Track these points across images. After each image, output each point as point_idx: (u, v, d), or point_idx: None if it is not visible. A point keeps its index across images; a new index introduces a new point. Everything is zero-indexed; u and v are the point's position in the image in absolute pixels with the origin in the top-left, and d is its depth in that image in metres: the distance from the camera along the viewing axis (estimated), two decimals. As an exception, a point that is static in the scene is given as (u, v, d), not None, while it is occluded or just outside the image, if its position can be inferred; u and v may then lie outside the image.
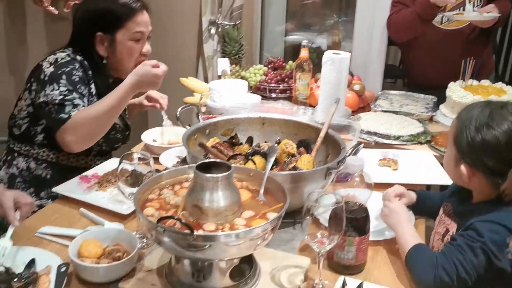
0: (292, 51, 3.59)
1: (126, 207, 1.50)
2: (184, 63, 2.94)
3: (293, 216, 1.46)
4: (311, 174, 1.38)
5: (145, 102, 2.06)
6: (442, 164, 1.70)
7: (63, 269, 1.17)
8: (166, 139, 1.99)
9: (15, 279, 1.12)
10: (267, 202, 1.21)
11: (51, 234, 1.37)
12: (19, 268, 1.19)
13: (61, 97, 1.62)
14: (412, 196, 1.48)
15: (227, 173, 1.12)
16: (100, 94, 1.73)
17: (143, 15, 1.79)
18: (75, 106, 1.62)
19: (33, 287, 1.13)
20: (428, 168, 1.84)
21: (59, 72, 1.66)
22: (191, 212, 1.12)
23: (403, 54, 3.26)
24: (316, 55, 3.09)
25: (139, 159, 1.40)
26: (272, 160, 1.35)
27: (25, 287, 1.12)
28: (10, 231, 1.26)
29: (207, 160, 1.18)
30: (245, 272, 1.19)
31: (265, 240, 1.12)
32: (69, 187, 1.61)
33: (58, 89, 1.63)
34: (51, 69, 1.67)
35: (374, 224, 1.40)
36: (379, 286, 1.20)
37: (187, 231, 1.01)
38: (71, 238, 1.29)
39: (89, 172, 1.71)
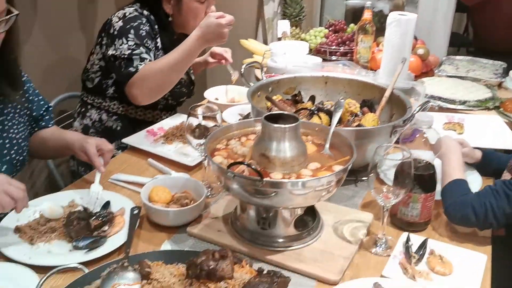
0: (352, 15, 3.49)
1: (191, 159, 1.56)
2: (244, 25, 2.94)
3: (355, 174, 1.47)
4: (376, 131, 1.37)
5: (210, 59, 2.09)
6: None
7: (135, 212, 1.24)
8: (229, 97, 2.02)
9: (93, 217, 1.20)
10: (333, 156, 1.22)
11: (123, 180, 1.45)
12: (95, 209, 1.27)
13: (129, 51, 1.67)
14: (477, 154, 1.44)
15: (294, 124, 1.13)
16: (165, 50, 1.78)
17: None
18: (142, 60, 1.66)
19: (109, 226, 1.20)
20: (496, 133, 1.78)
21: (127, 26, 1.71)
22: (258, 161, 1.14)
23: (472, 18, 3.12)
24: (378, 19, 3.00)
25: (206, 113, 1.43)
26: (338, 114, 1.35)
27: (102, 225, 1.19)
28: (98, 176, 1.34)
29: (275, 112, 1.19)
30: (309, 223, 1.21)
31: (330, 192, 1.13)
32: (137, 139, 1.68)
33: (127, 43, 1.68)
34: (120, 23, 1.72)
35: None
36: (444, 243, 1.19)
37: (256, 177, 1.04)
38: (141, 185, 1.35)
39: (155, 126, 1.78)
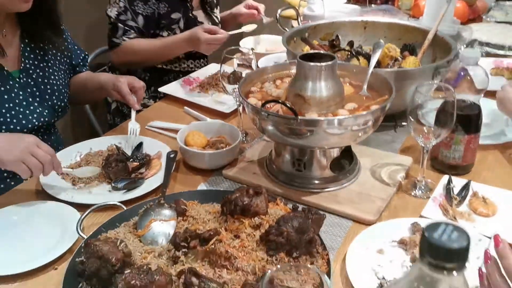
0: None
1: (227, 107, 1.55)
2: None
3: (394, 119, 1.42)
4: (417, 73, 1.31)
5: (243, 10, 2.05)
6: None
7: (172, 155, 1.25)
8: (263, 47, 1.98)
9: (131, 159, 1.22)
10: (371, 96, 1.18)
11: (159, 127, 1.46)
12: (134, 145, 1.30)
13: (116, 14, 1.73)
14: None
15: (331, 62, 1.09)
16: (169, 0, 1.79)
17: None
18: (125, 31, 1.74)
19: (146, 168, 1.22)
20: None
21: None
22: (293, 102, 1.12)
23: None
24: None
25: (240, 60, 1.41)
26: (377, 55, 1.29)
27: (139, 168, 1.21)
28: (133, 114, 1.38)
29: (311, 52, 1.15)
30: (345, 166, 1.18)
31: (366, 133, 1.10)
32: (173, 88, 1.69)
33: (119, 3, 1.73)
34: None
35: (490, 127, 1.33)
36: (488, 186, 1.14)
37: (290, 115, 1.02)
38: (177, 131, 1.35)
39: (191, 76, 1.77)
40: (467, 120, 1.15)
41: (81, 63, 1.53)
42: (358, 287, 0.86)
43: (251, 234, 0.92)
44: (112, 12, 1.76)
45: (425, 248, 0.39)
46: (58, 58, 1.43)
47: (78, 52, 1.53)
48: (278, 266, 0.75)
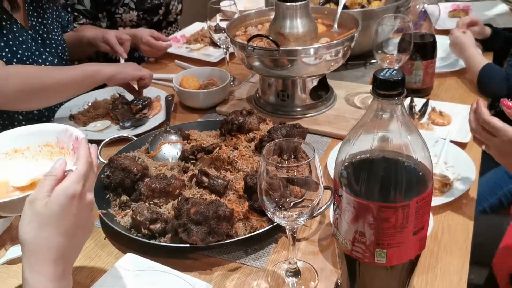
0: None
1: (213, 57, 1.71)
2: None
3: (364, 58, 1.60)
4: (381, 11, 1.48)
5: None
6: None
7: (169, 98, 1.41)
8: (242, 5, 2.12)
9: (134, 102, 1.38)
10: (341, 32, 1.35)
11: (154, 78, 1.61)
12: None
13: None
14: (487, 30, 1.56)
15: (304, 2, 1.26)
16: None
17: None
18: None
19: (148, 109, 1.38)
20: (501, 16, 1.87)
21: None
22: (274, 39, 1.28)
23: None
24: None
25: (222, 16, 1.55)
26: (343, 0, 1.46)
27: (142, 109, 1.37)
28: (122, 62, 1.52)
29: (286, -5, 1.31)
30: (322, 95, 1.36)
31: (338, 62, 1.28)
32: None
33: None
34: None
35: (443, 58, 1.52)
36: (444, 102, 1.34)
37: (273, 47, 1.19)
38: (171, 81, 1.51)
39: (177, 34, 1.92)
40: (423, 48, 1.34)
41: (67, 24, 1.65)
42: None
43: (247, 146, 1.09)
44: None
45: (376, 84, 0.57)
46: (55, 16, 1.54)
47: (63, 14, 1.64)
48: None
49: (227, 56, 1.55)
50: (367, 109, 0.61)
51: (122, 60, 1.53)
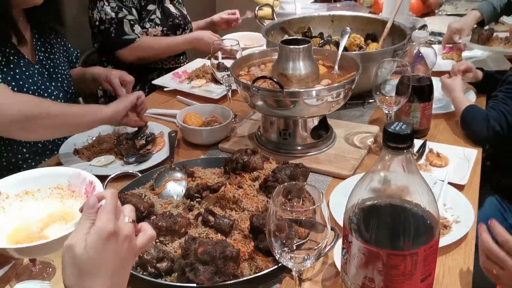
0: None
1: (215, 94, 1.75)
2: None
3: (363, 98, 1.65)
4: (379, 54, 1.54)
5: (218, 19, 2.29)
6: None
7: (173, 134, 1.43)
8: (242, 43, 2.18)
9: (139, 137, 1.40)
10: (341, 74, 1.40)
11: (157, 114, 1.65)
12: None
13: (113, 13, 1.87)
14: (479, 74, 1.62)
15: (307, 45, 1.31)
16: None
17: None
18: (132, 25, 1.89)
19: (152, 145, 1.41)
20: (493, 59, 1.94)
21: None
22: (277, 80, 1.32)
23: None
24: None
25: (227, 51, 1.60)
26: (345, 39, 1.51)
27: (146, 144, 1.39)
28: None
29: (290, 38, 1.36)
30: (323, 134, 1.40)
31: (339, 104, 1.32)
32: (165, 81, 1.87)
33: (108, 4, 1.87)
34: None
35: (441, 100, 1.58)
36: (441, 144, 1.38)
37: (277, 89, 1.22)
38: (173, 116, 1.54)
39: (179, 70, 1.96)
40: (421, 91, 1.38)
41: (75, 60, 1.69)
42: (339, 220, 1.07)
43: (251, 185, 1.12)
44: (107, 14, 1.88)
45: (386, 136, 0.60)
46: (61, 51, 1.57)
47: (72, 49, 1.68)
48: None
49: (229, 93, 1.59)
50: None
51: None
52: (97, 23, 1.93)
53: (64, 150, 1.40)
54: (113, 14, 1.89)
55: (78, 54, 1.74)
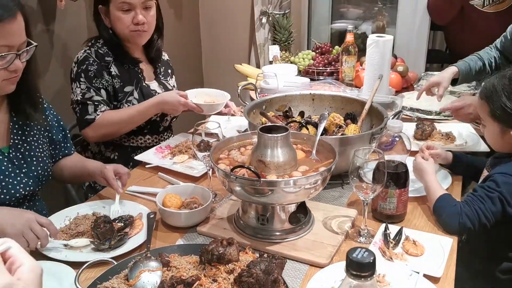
0: (338, 37, 3.76)
1: (197, 171, 1.76)
2: (238, 50, 3.19)
3: (341, 178, 1.67)
4: (357, 139, 1.58)
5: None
6: (482, 137, 1.88)
7: (152, 216, 1.43)
8: (202, 99, 2.11)
9: (117, 220, 1.39)
10: (319, 160, 1.43)
11: (138, 192, 1.65)
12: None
13: (81, 95, 1.90)
14: (448, 156, 1.66)
15: (285, 133, 1.34)
16: (120, 76, 1.97)
17: None
18: (96, 105, 1.90)
19: (130, 228, 1.40)
20: (467, 138, 2.00)
21: (79, 70, 1.92)
22: (256, 166, 1.35)
23: (447, 38, 3.37)
24: (361, 40, 3.26)
25: (208, 130, 1.63)
26: (323, 125, 1.56)
27: (124, 228, 1.39)
28: (117, 197, 1.54)
29: (269, 124, 1.40)
30: (301, 219, 1.41)
31: (317, 190, 1.34)
32: (148, 156, 1.89)
33: (79, 86, 1.91)
34: (75, 68, 1.93)
35: (416, 183, 1.60)
36: (417, 231, 1.39)
37: (254, 178, 1.24)
38: (154, 195, 1.55)
39: (162, 144, 1.99)
40: (397, 177, 1.41)
41: (65, 141, 1.67)
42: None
43: (226, 278, 1.11)
44: (77, 96, 1.90)
45: (348, 264, 0.61)
46: (42, 131, 1.57)
47: (60, 129, 1.66)
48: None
49: (210, 172, 1.61)
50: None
51: (117, 197, 1.55)
52: (71, 104, 1.95)
53: (40, 232, 1.39)
54: (80, 96, 1.90)
55: (68, 135, 1.70)
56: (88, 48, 1.97)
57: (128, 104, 1.99)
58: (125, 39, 1.99)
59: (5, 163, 1.43)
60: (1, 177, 1.41)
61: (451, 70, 2.08)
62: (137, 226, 1.42)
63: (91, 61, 1.93)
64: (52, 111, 1.67)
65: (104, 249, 1.31)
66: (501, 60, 2.09)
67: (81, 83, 1.91)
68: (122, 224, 1.40)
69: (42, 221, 1.28)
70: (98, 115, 1.90)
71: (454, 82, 2.11)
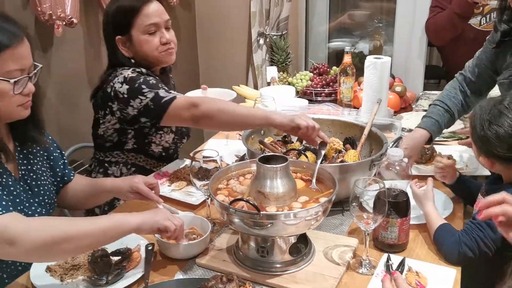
0: (336, 56, 3.76)
1: (195, 198, 1.74)
2: (235, 72, 3.19)
3: (342, 205, 1.66)
4: (357, 166, 1.57)
5: None
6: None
7: (150, 247, 1.41)
8: None
9: (114, 255, 1.37)
10: (319, 189, 1.41)
11: (135, 221, 1.62)
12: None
13: (152, 94, 1.72)
14: (456, 174, 1.64)
15: (284, 164, 1.33)
16: None
17: (150, 6, 1.82)
18: (167, 90, 1.75)
19: (127, 261, 1.37)
20: (468, 161, 1.98)
21: (136, 85, 1.75)
22: (255, 197, 1.33)
23: (443, 57, 3.37)
24: (359, 59, 3.27)
25: (206, 157, 1.62)
26: (322, 153, 1.54)
27: (121, 261, 1.36)
28: (161, 207, 1.54)
29: (268, 154, 1.39)
30: (302, 250, 1.38)
31: (318, 221, 1.32)
32: (145, 183, 1.87)
33: (145, 95, 1.73)
34: (126, 86, 1.74)
35: (416, 210, 1.58)
36: (420, 261, 1.37)
37: (254, 211, 1.22)
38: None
39: (160, 170, 1.97)
40: (398, 206, 1.39)
41: (62, 167, 1.63)
42: None
43: (226, 316, 1.08)
44: (146, 98, 1.73)
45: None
46: (45, 157, 1.55)
47: (59, 156, 1.63)
48: None
49: (209, 201, 1.59)
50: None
51: (160, 206, 1.54)
52: (137, 114, 1.76)
53: (35, 268, 1.36)
54: (152, 94, 1.74)
55: (66, 161, 1.66)
56: (128, 68, 1.82)
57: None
58: (153, 62, 1.90)
59: (21, 192, 1.40)
60: (21, 207, 1.38)
61: (422, 139, 1.87)
62: (135, 259, 1.39)
63: (146, 76, 1.79)
64: (50, 137, 1.65)
65: (101, 284, 1.29)
66: (471, 97, 1.97)
67: (145, 93, 1.72)
68: (120, 257, 1.37)
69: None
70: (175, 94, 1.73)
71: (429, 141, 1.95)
